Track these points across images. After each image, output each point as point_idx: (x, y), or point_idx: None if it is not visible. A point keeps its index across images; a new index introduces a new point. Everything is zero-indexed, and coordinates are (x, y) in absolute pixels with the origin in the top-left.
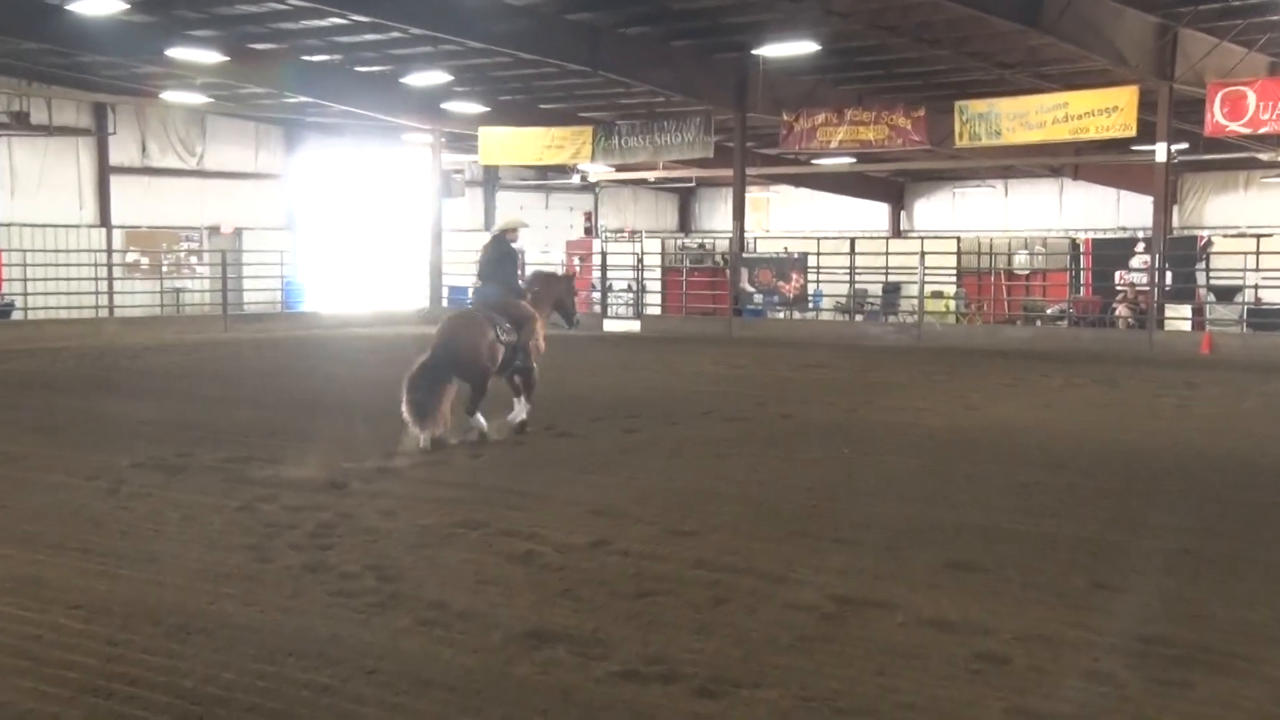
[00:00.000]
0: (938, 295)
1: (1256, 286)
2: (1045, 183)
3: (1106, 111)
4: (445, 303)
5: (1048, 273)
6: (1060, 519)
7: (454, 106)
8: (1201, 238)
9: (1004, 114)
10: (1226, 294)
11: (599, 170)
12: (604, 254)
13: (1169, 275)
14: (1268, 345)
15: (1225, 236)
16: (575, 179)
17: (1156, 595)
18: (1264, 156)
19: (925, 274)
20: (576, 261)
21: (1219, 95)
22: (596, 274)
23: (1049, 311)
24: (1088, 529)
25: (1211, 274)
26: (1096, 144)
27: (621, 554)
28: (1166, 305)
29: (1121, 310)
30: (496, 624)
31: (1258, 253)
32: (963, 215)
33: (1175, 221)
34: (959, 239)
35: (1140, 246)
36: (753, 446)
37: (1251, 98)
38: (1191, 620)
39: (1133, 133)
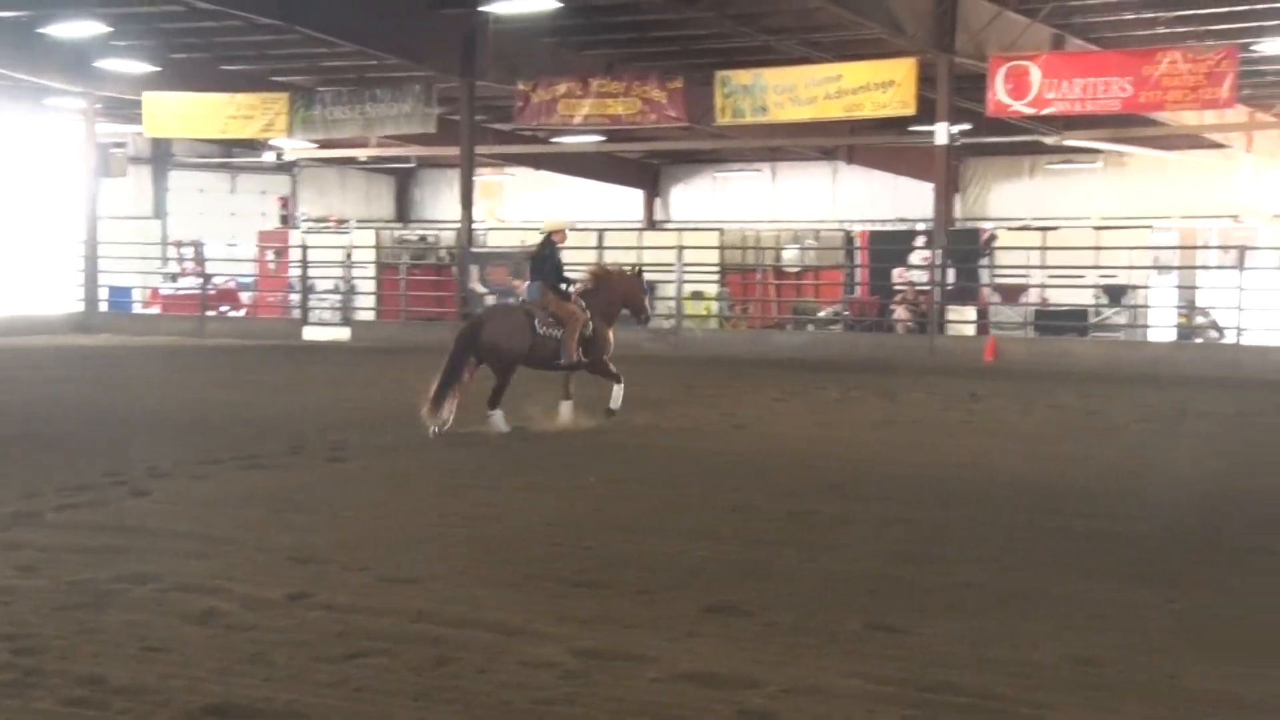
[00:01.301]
0: (698, 296)
1: (1043, 285)
2: (817, 167)
3: (883, 86)
4: (105, 306)
5: (820, 270)
6: (836, 552)
7: (112, 65)
8: (985, 231)
9: (771, 87)
10: (1011, 293)
11: (297, 146)
12: (304, 247)
13: (951, 273)
14: (1055, 351)
15: (1010, 229)
16: (268, 157)
17: (940, 637)
18: (1049, 140)
19: (684, 271)
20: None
21: (1001, 70)
22: (295, 272)
23: (822, 314)
24: (865, 563)
25: (996, 271)
26: (873, 123)
27: (325, 608)
28: (948, 306)
29: (900, 313)
30: (167, 700)
31: (1044, 248)
32: (726, 203)
33: (957, 212)
34: (721, 231)
35: (920, 240)
36: (485, 476)
37: (1035, 74)
38: (978, 664)
39: (912, 110)
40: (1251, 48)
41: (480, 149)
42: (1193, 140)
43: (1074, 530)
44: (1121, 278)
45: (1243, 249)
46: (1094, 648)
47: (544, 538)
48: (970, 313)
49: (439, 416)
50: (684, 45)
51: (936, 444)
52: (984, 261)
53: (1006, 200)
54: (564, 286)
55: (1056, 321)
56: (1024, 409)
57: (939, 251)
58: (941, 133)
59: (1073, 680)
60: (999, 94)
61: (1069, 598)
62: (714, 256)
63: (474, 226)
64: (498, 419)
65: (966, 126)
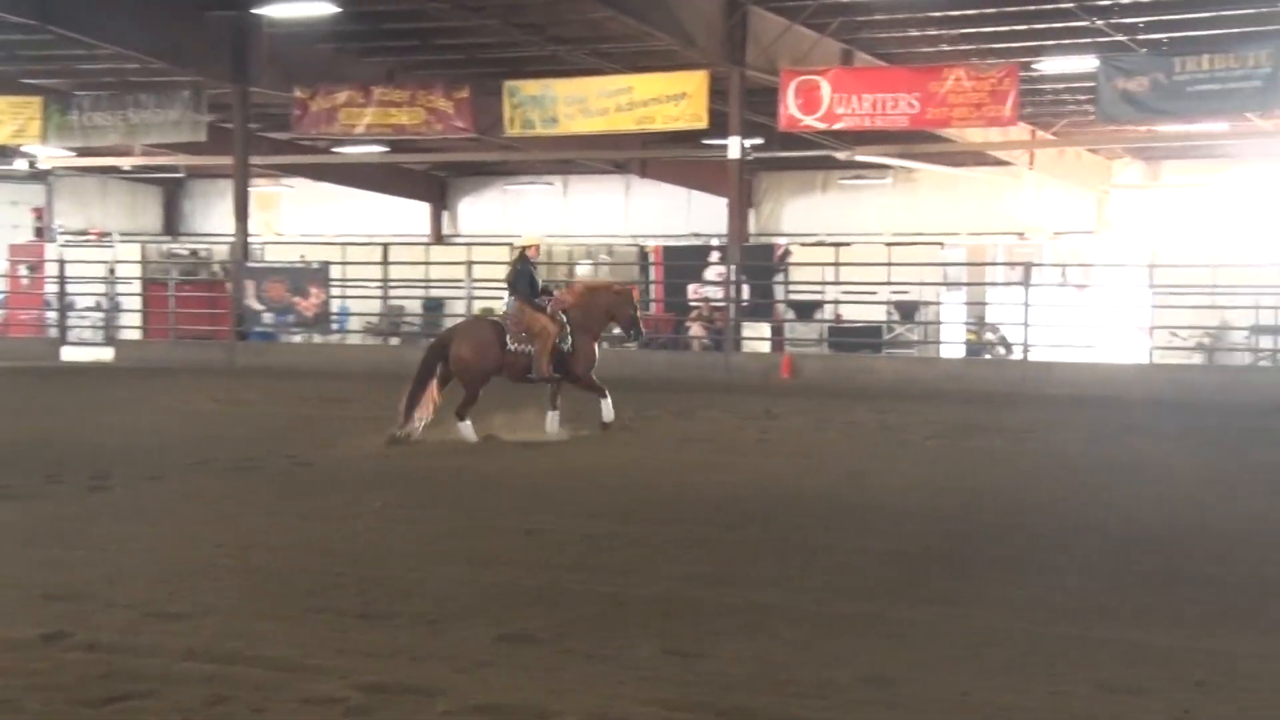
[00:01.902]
0: (489, 313)
1: (837, 301)
2: (610, 180)
3: (675, 99)
4: None
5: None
6: (630, 576)
7: None
8: (779, 246)
9: (561, 98)
10: (806, 310)
11: (53, 154)
12: (62, 262)
13: (746, 289)
14: (850, 368)
15: (804, 245)
16: (20, 164)
17: (736, 659)
18: (841, 155)
19: (473, 287)
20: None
21: (792, 84)
22: (51, 288)
23: (616, 331)
24: (660, 587)
25: (790, 287)
26: (665, 136)
27: (86, 648)
28: (744, 323)
29: (696, 329)
30: None
31: (837, 264)
32: (516, 217)
33: (752, 227)
34: (512, 246)
35: (715, 256)
36: (261, 503)
37: (826, 88)
38: (774, 686)
39: (704, 124)
40: (1032, 67)
41: (255, 159)
42: (979, 157)
43: (869, 548)
44: (913, 294)
45: (1028, 265)
46: (889, 666)
47: (324, 567)
48: (766, 329)
49: (407, 426)
50: (470, 54)
51: (733, 463)
52: (779, 277)
53: (800, 216)
54: (541, 300)
55: (851, 338)
56: (820, 426)
57: (734, 267)
58: (734, 147)
59: (868, 699)
60: (790, 108)
61: (864, 616)
62: (504, 271)
63: (249, 241)
64: (466, 429)
65: (759, 141)
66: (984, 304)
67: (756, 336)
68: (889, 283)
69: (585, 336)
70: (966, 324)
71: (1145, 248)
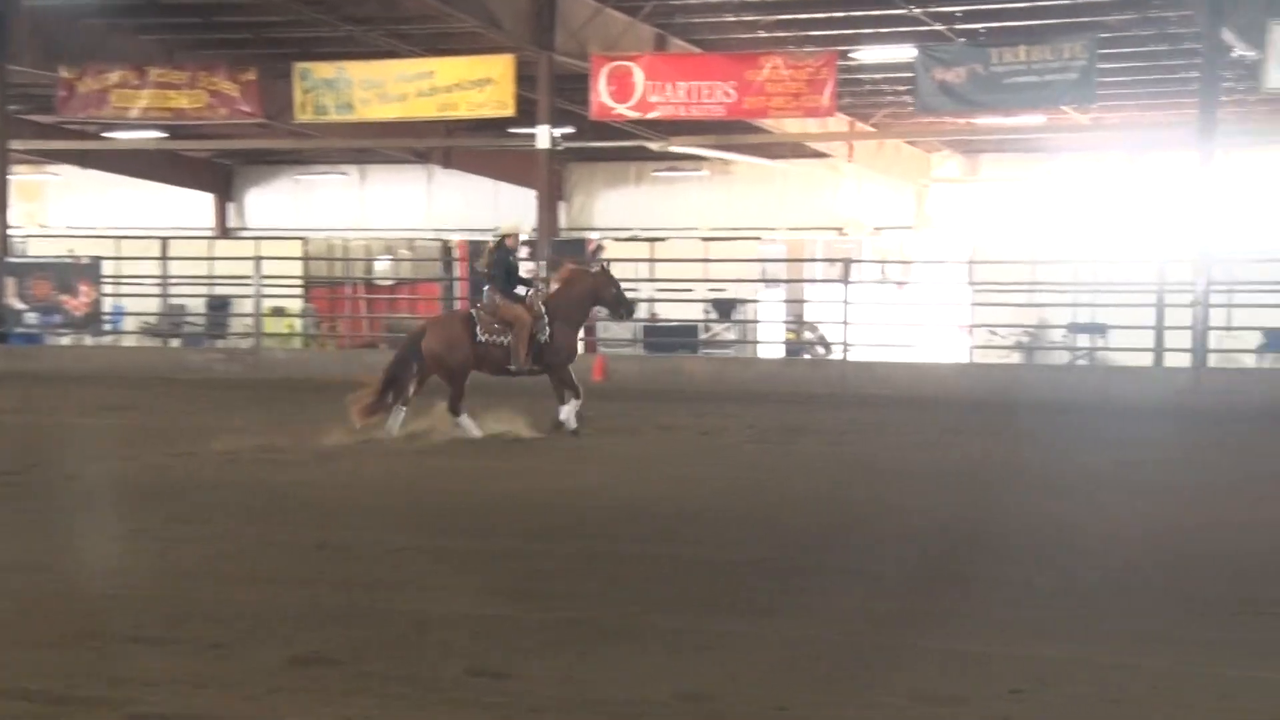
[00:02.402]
0: (279, 312)
1: (652, 300)
2: (411, 170)
3: (479, 84)
4: None
5: (417, 283)
6: (433, 592)
7: None
8: (591, 241)
9: (356, 82)
10: None
11: None
12: None
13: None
14: (665, 368)
15: (617, 240)
16: None
17: (545, 678)
18: (654, 146)
19: (263, 285)
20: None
21: (604, 71)
22: None
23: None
24: (465, 603)
25: None
26: (470, 124)
27: None
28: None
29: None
30: None
31: (652, 260)
32: (310, 209)
33: (562, 221)
34: (305, 240)
35: (523, 251)
36: (23, 523)
37: (639, 75)
38: (585, 705)
39: (510, 111)
40: (850, 56)
41: (16, 144)
42: (798, 150)
43: (684, 558)
44: (730, 292)
45: (847, 262)
46: (703, 682)
47: (94, 590)
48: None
49: (365, 418)
50: (257, 33)
51: (542, 470)
52: None
53: (613, 209)
54: (524, 291)
55: (667, 338)
56: (634, 431)
57: (544, 263)
58: (543, 136)
59: (683, 716)
60: (602, 96)
61: (679, 631)
62: (297, 268)
63: (10, 233)
64: (466, 423)
65: (570, 130)
66: (803, 302)
67: None
68: (705, 280)
69: (565, 326)
70: (785, 323)
71: (964, 244)
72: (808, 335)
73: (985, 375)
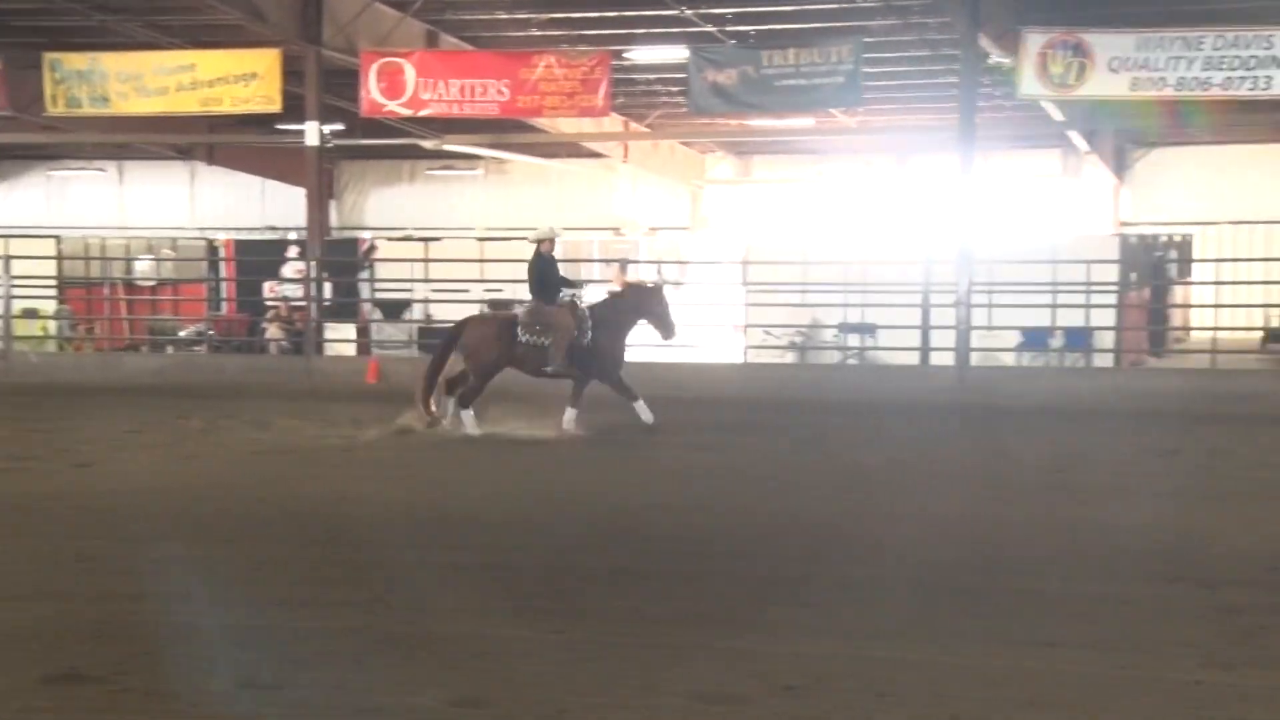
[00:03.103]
0: (32, 314)
1: (427, 300)
2: (173, 167)
3: (244, 79)
4: None
5: (180, 283)
6: (199, 604)
7: None
8: (364, 241)
9: (112, 74)
10: (394, 309)
11: None
12: None
13: (328, 287)
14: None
15: (391, 239)
16: None
17: (318, 688)
18: (428, 144)
19: (13, 286)
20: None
21: (374, 67)
22: None
23: (183, 334)
24: (233, 613)
25: (377, 285)
26: (235, 120)
27: None
28: (326, 324)
29: (273, 331)
30: None
31: (426, 260)
32: (64, 207)
33: (334, 220)
34: (59, 239)
35: (293, 251)
36: None
37: (410, 73)
38: (358, 716)
39: (277, 107)
40: (624, 55)
41: None
42: (573, 149)
43: (461, 564)
44: (507, 292)
45: (623, 263)
46: (480, 688)
47: None
48: (350, 331)
49: (434, 416)
50: (2, 20)
51: (315, 476)
52: (364, 274)
53: (386, 208)
54: (568, 294)
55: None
56: (408, 435)
57: (314, 263)
58: (312, 133)
59: None
60: (372, 93)
61: (455, 638)
62: (50, 268)
63: None
64: (468, 418)
65: (340, 127)
66: (580, 302)
67: (340, 339)
68: (482, 280)
69: (609, 334)
70: None
71: (738, 244)
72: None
73: (760, 375)
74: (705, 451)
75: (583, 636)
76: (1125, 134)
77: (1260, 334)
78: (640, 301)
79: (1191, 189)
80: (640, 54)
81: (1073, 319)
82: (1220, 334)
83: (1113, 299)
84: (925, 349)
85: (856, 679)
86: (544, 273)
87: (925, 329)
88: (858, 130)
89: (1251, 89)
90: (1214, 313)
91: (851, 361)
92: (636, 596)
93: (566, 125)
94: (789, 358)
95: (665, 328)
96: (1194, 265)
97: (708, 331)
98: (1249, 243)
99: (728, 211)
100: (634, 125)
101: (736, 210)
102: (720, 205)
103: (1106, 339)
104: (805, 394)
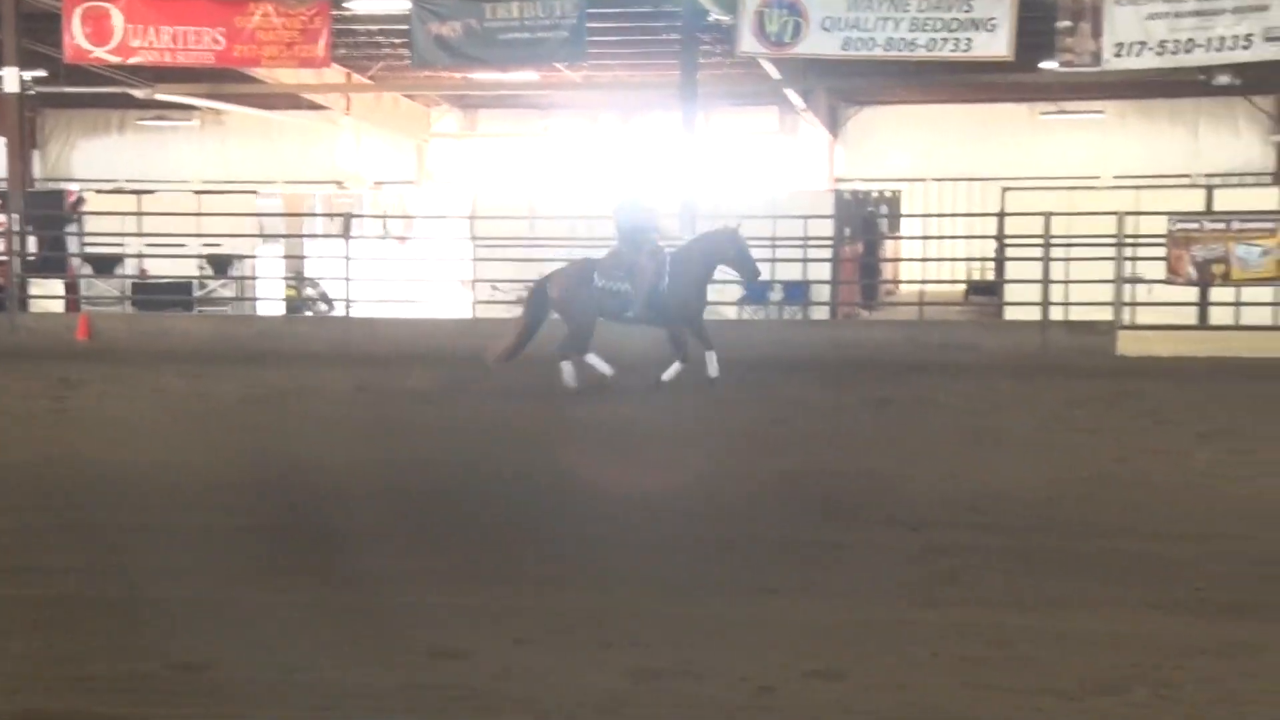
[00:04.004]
0: None
1: (140, 255)
2: None
3: None
4: None
5: None
6: None
7: None
8: (71, 193)
9: None
10: (105, 264)
11: None
12: None
13: (32, 241)
14: (157, 328)
15: (101, 192)
16: None
17: (29, 658)
18: (139, 93)
19: None
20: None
21: (78, 11)
22: None
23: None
24: None
25: (86, 239)
26: None
27: None
28: (32, 279)
29: None
30: None
31: (140, 213)
32: None
33: (37, 172)
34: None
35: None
36: None
37: (118, 18)
38: (72, 684)
39: None
40: (344, 5)
41: None
42: (294, 101)
43: (184, 525)
44: (226, 246)
45: (348, 217)
46: (204, 652)
47: None
48: (58, 286)
49: (501, 361)
50: None
51: (24, 438)
52: (71, 228)
53: (95, 159)
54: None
55: (157, 295)
56: (125, 394)
57: (16, 217)
58: (11, 79)
59: (179, 689)
60: (77, 38)
61: (178, 601)
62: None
63: None
64: (567, 371)
65: (42, 73)
66: (303, 257)
67: (47, 295)
68: (199, 234)
69: (686, 280)
70: (285, 279)
71: (465, 199)
72: (309, 292)
73: (488, 331)
74: (434, 407)
75: (315, 597)
76: (838, 93)
77: (963, 287)
78: (716, 245)
79: (900, 147)
80: (362, 4)
81: (791, 273)
82: (927, 287)
83: (828, 253)
84: None
85: (586, 630)
86: (625, 218)
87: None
88: (582, 85)
89: (954, 50)
90: (921, 266)
91: None
92: (374, 556)
93: (286, 76)
94: (517, 312)
95: (744, 270)
96: (903, 221)
97: (435, 287)
98: (953, 199)
99: (454, 166)
100: (356, 77)
101: (463, 164)
102: (446, 159)
103: (823, 292)
104: (532, 349)
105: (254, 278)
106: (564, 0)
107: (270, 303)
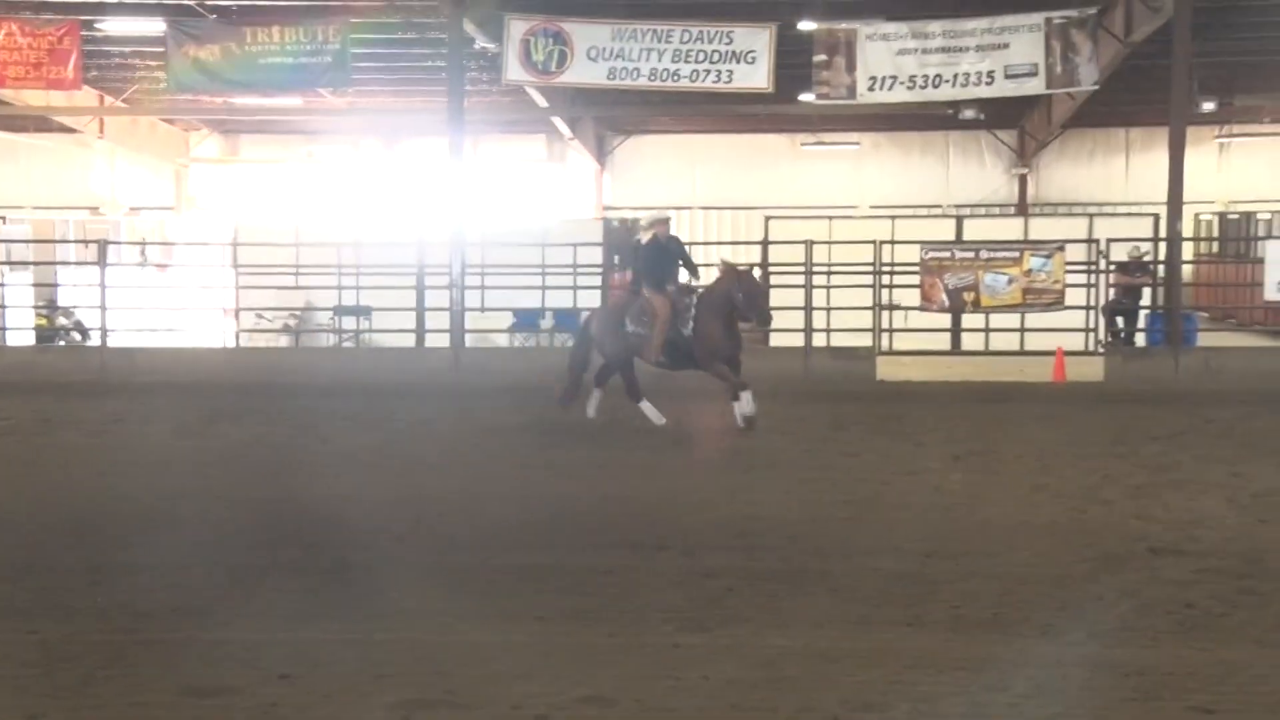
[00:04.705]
0: None
1: None
2: None
3: None
4: None
5: None
6: None
7: None
8: None
9: None
10: None
11: None
12: None
13: None
14: None
15: None
16: None
17: None
18: None
19: None
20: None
21: None
22: None
23: None
24: None
25: None
26: None
27: None
28: None
29: None
30: None
31: None
32: None
33: None
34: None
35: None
36: None
37: None
38: None
39: None
40: (96, 26)
41: None
42: (43, 123)
43: None
44: None
45: (103, 243)
46: None
47: None
48: None
49: (566, 404)
50: None
51: None
52: None
53: None
54: (689, 281)
55: None
56: None
57: None
58: None
59: None
60: None
61: None
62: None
63: None
64: (648, 409)
65: None
66: (55, 285)
67: None
68: None
69: (709, 323)
70: (36, 308)
71: (228, 225)
72: (62, 321)
73: (252, 359)
74: (192, 439)
75: (61, 634)
76: (605, 121)
77: None
78: (729, 286)
79: (667, 175)
80: (114, 25)
81: (562, 300)
82: None
83: (598, 280)
84: (420, 331)
85: (355, 662)
86: (649, 260)
87: (420, 311)
88: (347, 111)
89: (716, 82)
90: None
91: (347, 344)
92: (121, 591)
93: (34, 98)
94: (283, 341)
95: (750, 312)
96: None
97: (196, 315)
98: (718, 227)
99: (215, 191)
100: (110, 100)
101: (225, 190)
102: (207, 185)
103: None
104: (300, 378)
105: (2, 306)
106: (328, 26)
107: (20, 332)
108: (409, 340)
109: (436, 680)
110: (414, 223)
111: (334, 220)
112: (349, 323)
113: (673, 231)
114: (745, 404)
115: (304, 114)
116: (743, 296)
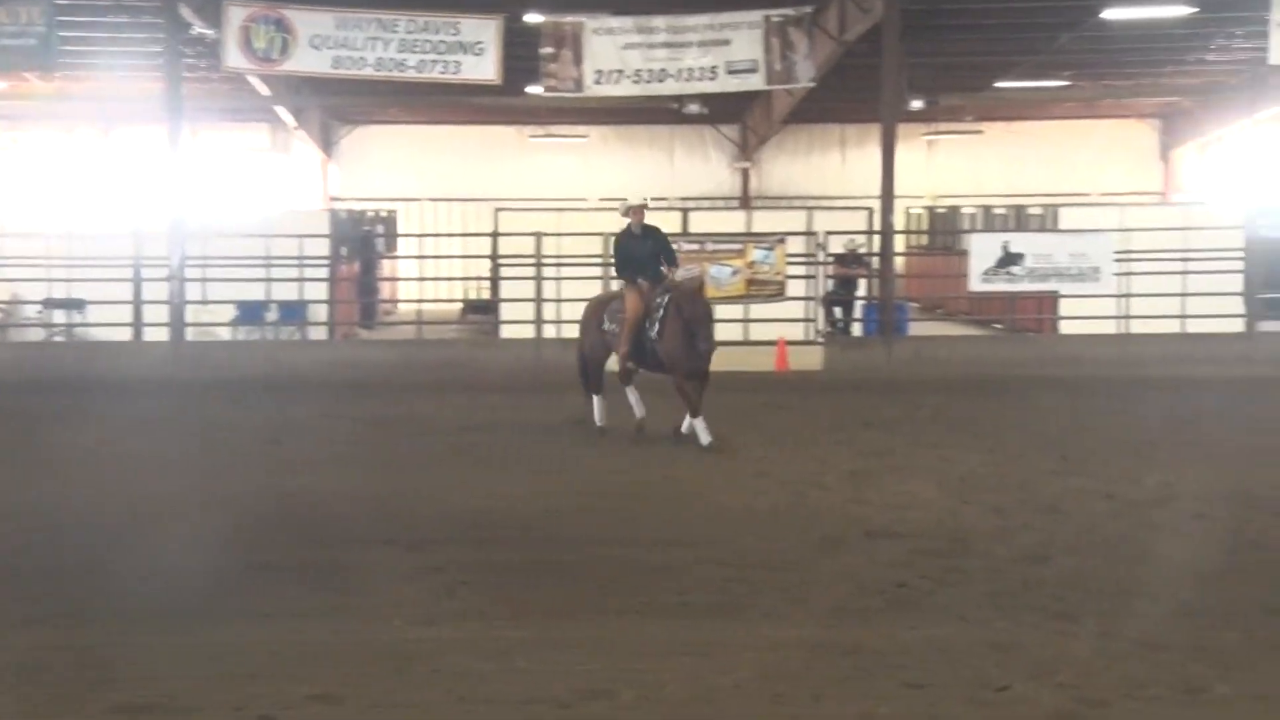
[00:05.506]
0: None
1: None
2: None
3: None
4: None
5: None
6: None
7: None
8: None
9: None
10: None
11: None
12: None
13: None
14: None
15: None
16: None
17: None
18: None
19: None
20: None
21: None
22: None
23: None
24: None
25: None
26: None
27: None
28: None
29: None
30: None
31: None
32: None
33: None
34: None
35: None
36: None
37: None
38: None
39: None
40: None
41: None
42: None
43: None
44: None
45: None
46: None
47: None
48: None
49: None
50: None
51: None
52: None
53: None
54: (667, 272)
55: None
56: None
57: None
58: None
59: None
60: None
61: None
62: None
63: None
64: (596, 408)
65: None
66: None
67: None
68: None
69: (670, 329)
70: None
71: None
72: None
73: None
74: None
75: None
76: (331, 111)
77: (460, 305)
78: (678, 299)
79: (395, 166)
80: None
81: (287, 293)
82: (425, 306)
83: (325, 273)
84: (138, 324)
85: (67, 669)
86: (618, 252)
87: (138, 304)
88: (55, 96)
89: (443, 72)
90: (419, 286)
91: (59, 339)
92: None
93: None
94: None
95: (695, 332)
96: (400, 240)
97: None
98: (448, 219)
99: None
100: None
101: None
102: None
103: (320, 312)
104: (7, 374)
105: None
106: (31, 7)
107: None
108: (126, 334)
109: (152, 684)
110: (131, 213)
111: (43, 210)
112: (60, 316)
113: (647, 220)
114: (696, 430)
115: (7, 98)
116: (683, 322)
